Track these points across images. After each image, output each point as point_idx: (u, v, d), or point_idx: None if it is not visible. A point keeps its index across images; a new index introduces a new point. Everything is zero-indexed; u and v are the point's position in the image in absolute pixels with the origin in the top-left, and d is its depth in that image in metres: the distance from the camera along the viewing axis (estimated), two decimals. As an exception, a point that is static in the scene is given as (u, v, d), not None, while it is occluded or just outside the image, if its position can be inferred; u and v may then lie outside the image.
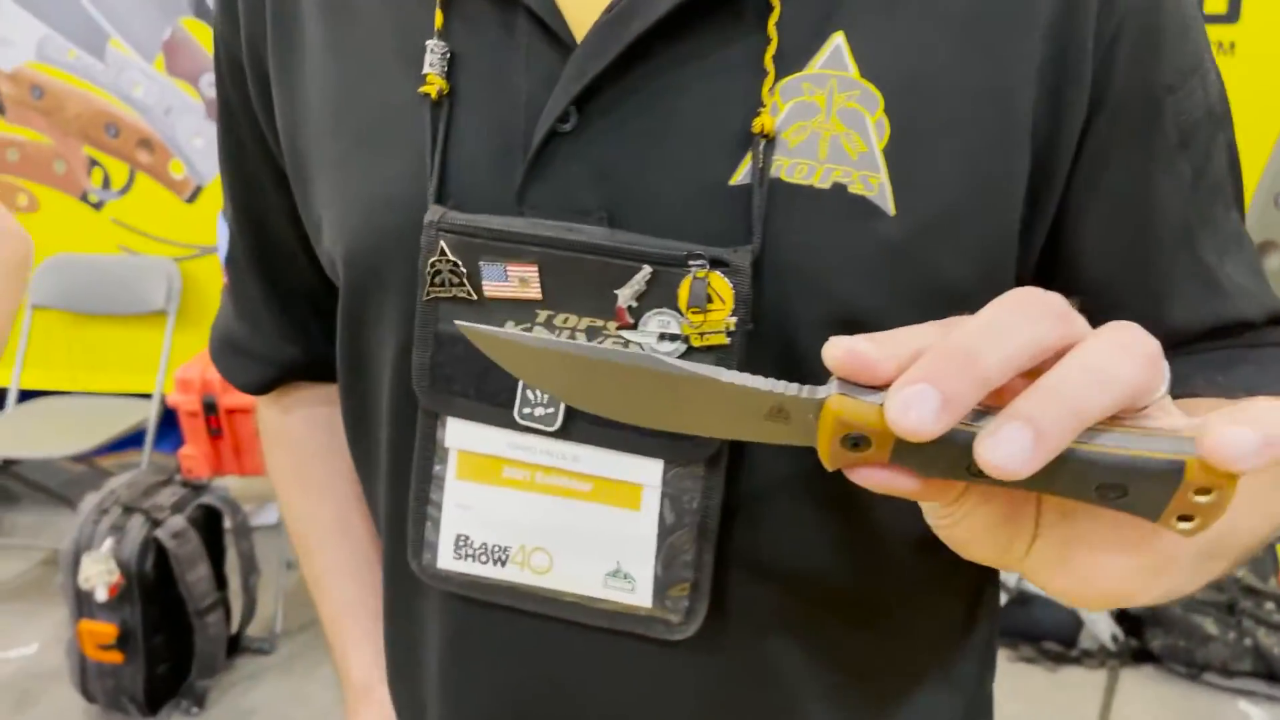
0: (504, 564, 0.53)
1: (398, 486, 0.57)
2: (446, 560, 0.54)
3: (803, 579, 0.54)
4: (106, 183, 2.90)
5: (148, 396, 2.78)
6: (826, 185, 0.47)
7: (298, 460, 0.73)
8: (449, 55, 0.51)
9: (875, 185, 0.47)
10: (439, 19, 0.52)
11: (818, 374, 0.50)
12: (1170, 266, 0.53)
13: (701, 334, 0.48)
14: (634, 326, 0.49)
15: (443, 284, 0.51)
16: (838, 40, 0.47)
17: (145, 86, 2.81)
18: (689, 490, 0.50)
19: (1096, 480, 0.31)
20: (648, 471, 0.51)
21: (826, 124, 0.47)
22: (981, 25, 0.47)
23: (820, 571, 0.54)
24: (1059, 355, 0.32)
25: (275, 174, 0.62)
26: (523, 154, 0.50)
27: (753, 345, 0.49)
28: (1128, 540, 0.35)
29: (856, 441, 0.33)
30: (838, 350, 0.33)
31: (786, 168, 0.47)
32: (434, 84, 0.51)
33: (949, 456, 0.32)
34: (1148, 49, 0.48)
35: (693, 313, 0.48)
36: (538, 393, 0.51)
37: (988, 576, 0.63)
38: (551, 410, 0.51)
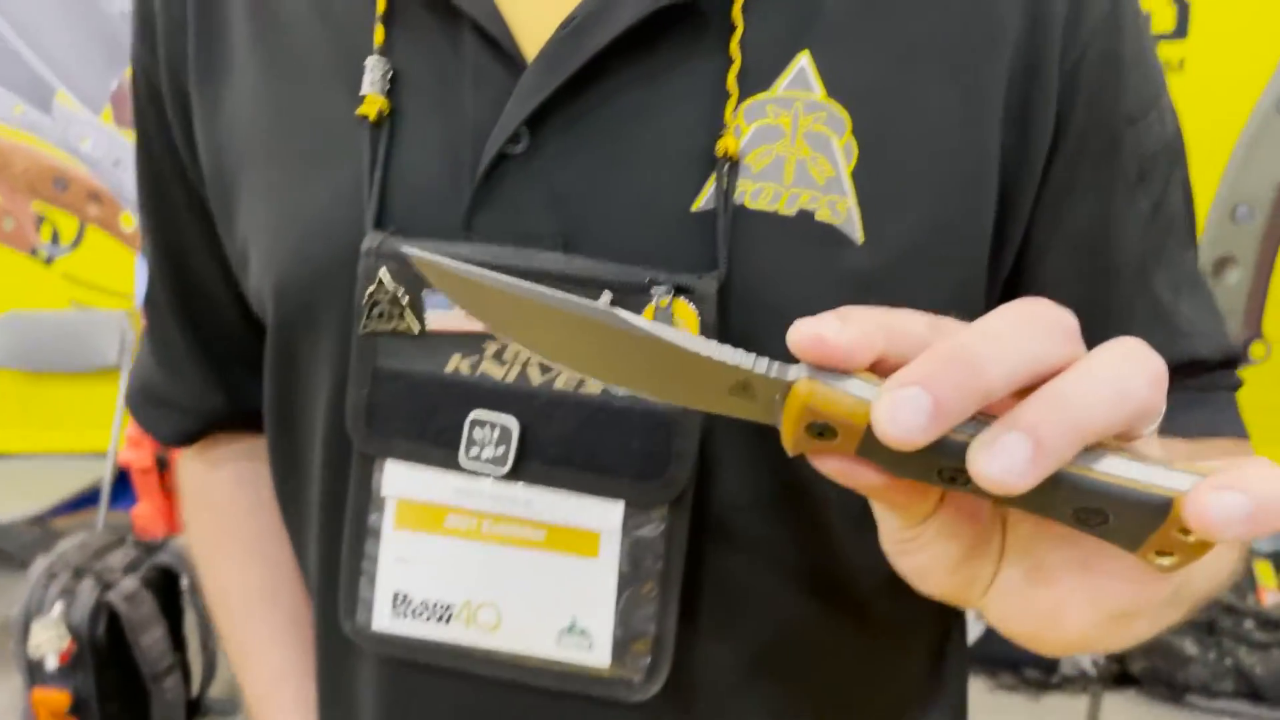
0: (447, 622, 0.49)
1: (330, 540, 0.53)
2: (383, 620, 0.50)
3: (771, 630, 0.51)
4: (56, 238, 2.84)
5: (103, 454, 2.71)
6: (792, 212, 0.45)
7: (222, 522, 0.68)
8: (390, 74, 0.49)
9: (843, 211, 0.45)
10: (379, 35, 0.49)
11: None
12: (1128, 301, 0.51)
13: None
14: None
15: (381, 316, 0.47)
16: (803, 60, 0.46)
17: (93, 139, 2.77)
18: (651, 536, 0.47)
19: (1078, 503, 0.29)
20: (607, 516, 0.47)
21: (792, 148, 0.45)
22: (951, 47, 0.46)
23: (788, 621, 0.51)
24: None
25: (197, 209, 0.58)
26: (470, 177, 0.47)
27: None
28: (1096, 583, 0.32)
29: (822, 430, 0.30)
30: (803, 336, 0.29)
31: (750, 193, 0.45)
32: (373, 104, 0.48)
33: (921, 459, 0.29)
34: (1109, 78, 0.48)
35: None
36: (485, 432, 0.47)
37: (955, 622, 0.60)
38: (501, 451, 0.47)
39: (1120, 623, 0.33)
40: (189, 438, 0.66)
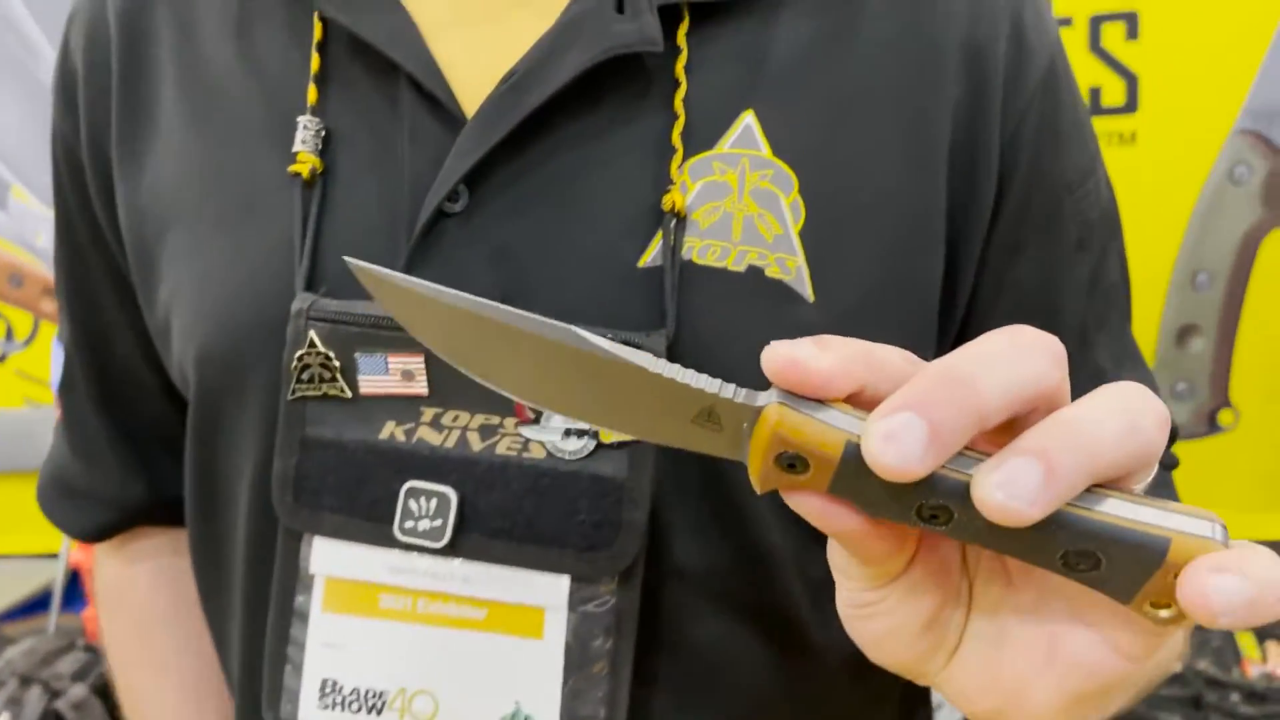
0: (379, 712, 0.45)
1: (253, 628, 0.49)
2: (310, 711, 0.45)
3: (729, 703, 0.47)
4: (10, 334, 2.79)
5: (55, 555, 2.62)
6: (741, 268, 0.44)
7: (142, 626, 0.63)
8: (324, 132, 0.47)
9: (793, 269, 0.44)
10: (313, 94, 0.47)
11: (738, 478, 0.46)
12: (1072, 367, 0.50)
13: None
14: (535, 421, 0.44)
15: (311, 380, 0.45)
16: (748, 119, 0.45)
17: (48, 234, 2.74)
18: (599, 611, 0.44)
19: (1072, 545, 0.26)
20: (552, 591, 0.44)
21: (739, 204, 0.45)
22: (893, 107, 0.46)
23: (747, 702, 0.48)
24: (1050, 409, 0.27)
25: (118, 284, 0.55)
26: (407, 235, 0.45)
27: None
28: (1071, 652, 0.29)
29: (793, 462, 0.27)
30: (778, 359, 0.27)
31: (698, 249, 0.44)
32: (305, 162, 0.46)
33: (902, 494, 0.26)
34: (1048, 143, 0.48)
35: None
36: (422, 503, 0.44)
37: (919, 700, 0.57)
38: (439, 523, 0.44)
39: (1094, 700, 0.29)
40: (106, 532, 0.62)
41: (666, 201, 0.44)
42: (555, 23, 0.45)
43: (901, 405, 0.25)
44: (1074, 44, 1.57)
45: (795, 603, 0.47)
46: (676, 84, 0.45)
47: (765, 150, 0.45)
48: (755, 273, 0.44)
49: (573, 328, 0.29)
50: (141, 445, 0.60)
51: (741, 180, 0.45)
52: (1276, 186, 1.62)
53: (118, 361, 0.58)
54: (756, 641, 0.47)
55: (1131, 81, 1.65)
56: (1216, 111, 1.58)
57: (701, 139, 0.45)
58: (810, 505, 0.28)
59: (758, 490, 0.28)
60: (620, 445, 0.43)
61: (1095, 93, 1.66)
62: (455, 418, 0.44)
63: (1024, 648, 0.29)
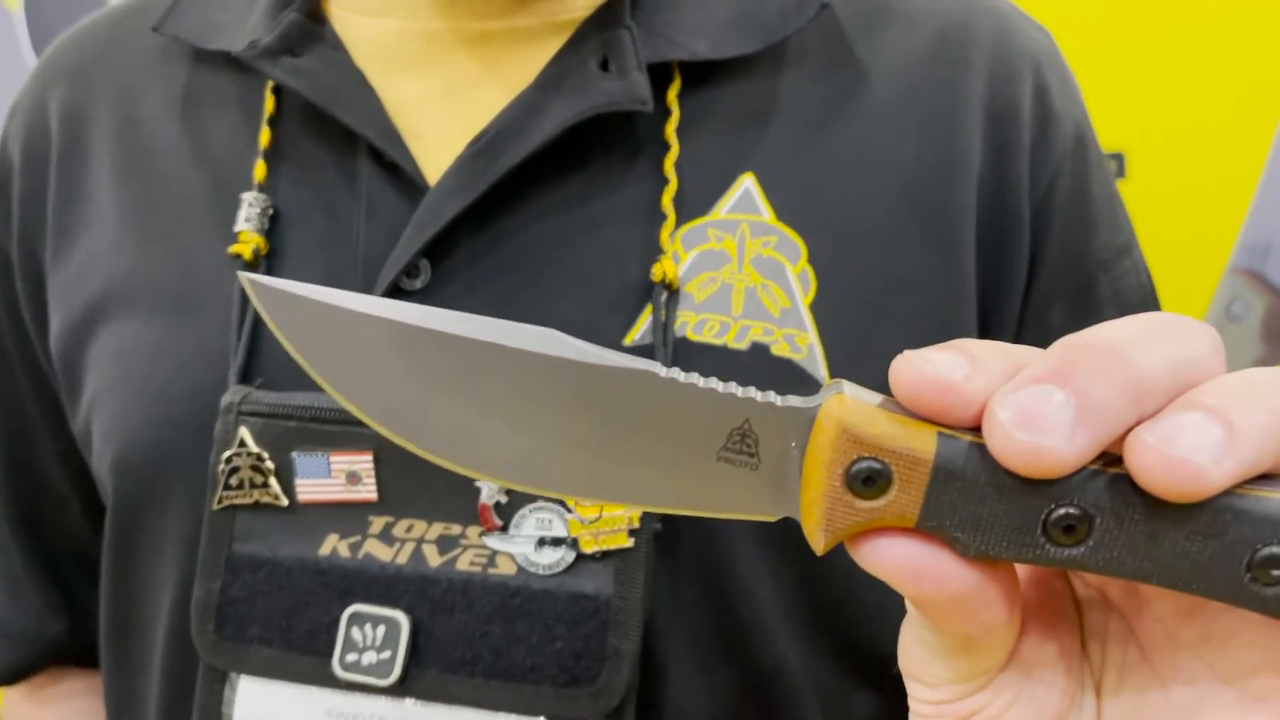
0: None
1: None
2: None
3: None
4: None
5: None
6: (744, 345, 0.39)
7: None
8: (271, 210, 0.42)
9: (803, 346, 0.39)
10: (260, 169, 0.42)
11: (748, 591, 0.40)
12: None
13: (595, 534, 0.37)
14: (504, 529, 0.37)
15: (240, 486, 0.38)
16: (747, 182, 0.41)
17: None
18: None
19: (1255, 544, 0.19)
20: None
21: (739, 274, 0.40)
22: (908, 173, 0.42)
23: None
24: None
25: (45, 399, 0.49)
26: None
27: (663, 550, 0.38)
28: None
29: (870, 477, 0.20)
30: (921, 378, 0.20)
31: (694, 324, 0.39)
32: (248, 242, 0.41)
33: (1027, 505, 0.20)
34: (1079, 214, 0.44)
35: (583, 508, 0.36)
36: (367, 631, 0.37)
37: None
38: (387, 655, 0.36)
39: None
40: (20, 673, 0.54)
41: (656, 271, 0.39)
42: (532, 82, 0.40)
43: (1037, 376, 0.19)
44: (1060, 186, 1.58)
45: None
46: (667, 147, 0.40)
47: (768, 215, 0.40)
48: (760, 350, 0.39)
49: (560, 334, 0.22)
50: (64, 576, 0.53)
51: (741, 248, 0.40)
52: (1275, 323, 1.60)
53: (40, 485, 0.51)
54: None
55: (1119, 161, 1.66)
56: (1210, 249, 1.58)
57: (695, 205, 0.40)
58: (899, 553, 0.20)
59: (820, 547, 0.21)
60: (604, 555, 0.37)
61: (1109, 169, 1.66)
62: (409, 528, 0.38)
63: None
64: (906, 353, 0.21)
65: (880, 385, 0.41)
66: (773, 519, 0.22)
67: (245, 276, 0.23)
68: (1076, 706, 0.23)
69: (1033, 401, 0.19)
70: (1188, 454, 0.18)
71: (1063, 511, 0.20)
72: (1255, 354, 1.72)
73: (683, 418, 0.21)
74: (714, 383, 0.21)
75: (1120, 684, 0.23)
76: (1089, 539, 0.20)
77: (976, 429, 0.20)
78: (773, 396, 0.21)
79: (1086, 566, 0.20)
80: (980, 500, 0.20)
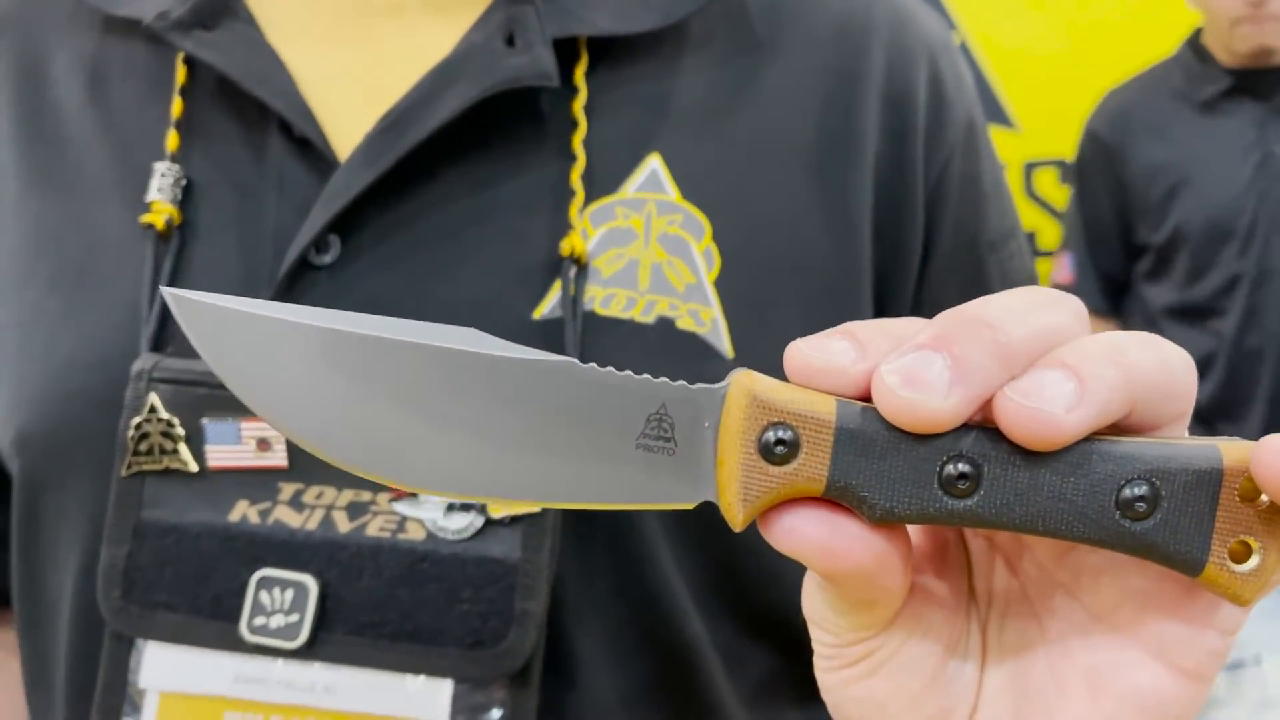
0: None
1: None
2: None
3: None
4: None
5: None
6: (650, 319, 0.40)
7: None
8: (184, 182, 0.42)
9: (707, 320, 0.40)
10: (173, 139, 0.42)
11: (653, 559, 0.40)
12: None
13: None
14: (414, 495, 0.38)
15: (150, 452, 0.38)
16: (654, 162, 0.42)
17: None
18: None
19: (1120, 479, 0.22)
20: (430, 700, 0.37)
21: (646, 251, 0.41)
22: (809, 153, 0.43)
23: None
24: None
25: None
26: (269, 291, 0.39)
27: (570, 517, 0.38)
28: (1122, 689, 0.23)
29: (780, 441, 0.22)
30: (812, 362, 0.23)
31: (601, 298, 0.40)
32: (161, 212, 0.41)
33: (922, 459, 0.22)
34: (970, 197, 0.46)
35: None
36: (275, 595, 0.37)
37: None
38: (295, 619, 0.37)
39: None
40: None
41: (565, 246, 0.39)
42: (440, 61, 0.41)
43: (915, 345, 0.21)
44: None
45: (725, 707, 0.40)
46: (574, 125, 0.41)
47: (674, 194, 0.41)
48: (665, 324, 0.40)
49: (478, 333, 0.23)
50: None
51: (648, 226, 0.41)
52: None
53: None
54: None
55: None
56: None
57: (603, 183, 0.41)
58: (810, 533, 0.22)
59: (738, 521, 0.22)
60: (513, 520, 0.37)
61: (1031, 236, 1.68)
62: (319, 494, 0.38)
63: (1060, 691, 0.24)
64: (797, 341, 0.23)
65: (781, 357, 0.43)
66: (691, 506, 0.23)
67: (168, 292, 0.23)
68: (964, 643, 0.25)
69: (915, 365, 0.21)
70: (1043, 404, 0.21)
71: (953, 466, 0.22)
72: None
73: (602, 407, 0.23)
74: (629, 372, 0.23)
75: (1003, 621, 0.26)
76: (980, 489, 0.22)
77: (869, 399, 0.22)
78: (684, 382, 0.23)
79: (981, 519, 0.22)
80: (881, 458, 0.22)
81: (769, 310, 0.41)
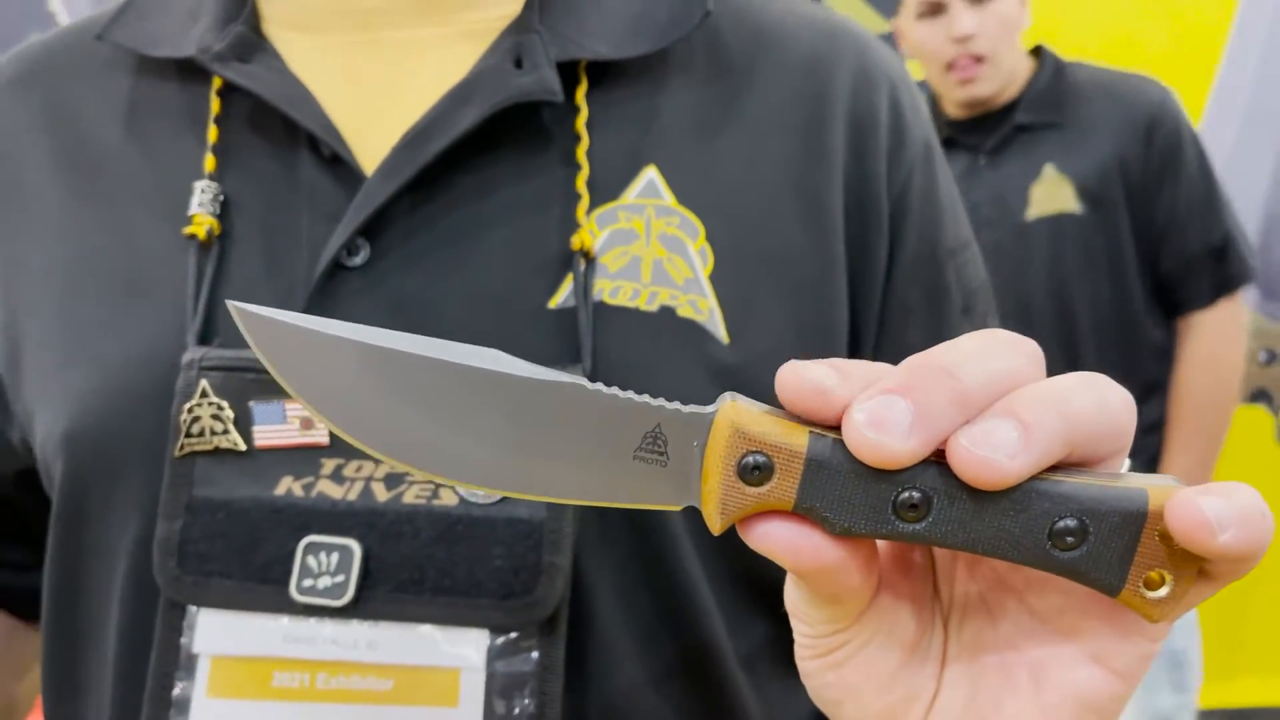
0: None
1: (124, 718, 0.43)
2: None
3: None
4: None
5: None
6: (653, 308, 0.44)
7: None
8: (222, 197, 0.46)
9: (705, 310, 0.45)
10: (210, 161, 0.46)
11: (665, 529, 0.44)
12: None
13: None
14: (440, 474, 0.41)
15: (201, 434, 0.41)
16: (651, 173, 0.46)
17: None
18: (522, 670, 0.40)
19: (1053, 516, 0.25)
20: (467, 649, 0.40)
21: (647, 248, 0.45)
22: (790, 165, 0.48)
23: None
24: None
25: None
26: (305, 292, 0.44)
27: None
28: (1059, 683, 0.28)
29: (756, 468, 0.25)
30: (802, 385, 0.26)
31: (609, 290, 0.44)
32: (202, 223, 0.45)
33: (879, 490, 0.25)
34: (931, 208, 0.51)
35: None
36: (321, 559, 0.40)
37: None
38: (340, 579, 0.40)
39: None
40: None
41: (575, 241, 0.44)
42: (458, 83, 0.46)
43: (883, 389, 0.25)
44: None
45: (728, 667, 0.44)
46: (578, 138, 0.46)
47: (670, 200, 0.46)
48: (667, 312, 0.44)
49: (499, 353, 0.27)
50: None
51: (648, 227, 0.45)
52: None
53: None
54: (687, 704, 0.44)
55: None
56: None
57: (605, 190, 0.45)
58: (779, 535, 0.26)
59: (716, 528, 0.26)
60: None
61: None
62: (358, 468, 0.41)
63: (1009, 683, 0.28)
64: (791, 362, 0.26)
65: (769, 341, 0.48)
66: (677, 508, 0.27)
67: (234, 305, 0.27)
68: (927, 639, 0.29)
69: (881, 408, 0.25)
70: (989, 452, 0.24)
71: (907, 494, 0.25)
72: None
73: (605, 422, 0.26)
74: (630, 393, 0.26)
75: (962, 620, 0.29)
76: (929, 516, 0.25)
77: (839, 429, 0.26)
78: (679, 405, 0.26)
79: (928, 540, 0.26)
80: (843, 485, 0.26)
81: (757, 300, 0.45)
